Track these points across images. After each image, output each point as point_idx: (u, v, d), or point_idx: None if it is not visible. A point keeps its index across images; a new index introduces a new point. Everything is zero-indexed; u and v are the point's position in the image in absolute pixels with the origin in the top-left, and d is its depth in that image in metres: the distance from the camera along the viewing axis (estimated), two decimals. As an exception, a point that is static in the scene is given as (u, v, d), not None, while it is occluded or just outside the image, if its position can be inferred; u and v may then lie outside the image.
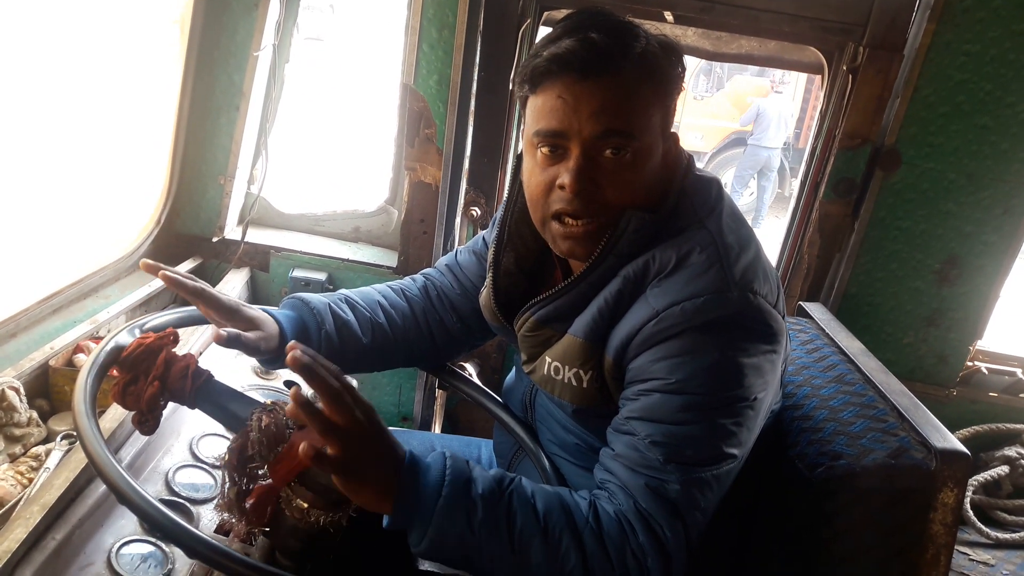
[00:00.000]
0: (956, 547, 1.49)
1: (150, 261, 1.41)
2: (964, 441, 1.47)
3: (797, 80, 11.94)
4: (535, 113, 1.34)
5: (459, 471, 1.22)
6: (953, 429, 1.53)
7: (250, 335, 1.44)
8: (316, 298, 1.64)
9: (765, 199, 11.08)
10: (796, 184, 2.76)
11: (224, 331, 1.36)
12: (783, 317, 1.39)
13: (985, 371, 2.86)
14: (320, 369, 1.11)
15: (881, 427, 1.54)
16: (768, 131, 10.66)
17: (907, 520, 1.45)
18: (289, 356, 1.09)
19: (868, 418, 1.57)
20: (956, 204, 2.57)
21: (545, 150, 1.34)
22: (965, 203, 2.56)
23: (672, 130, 1.42)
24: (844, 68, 2.45)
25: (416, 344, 1.76)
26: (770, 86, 11.29)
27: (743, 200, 11.04)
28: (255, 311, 1.51)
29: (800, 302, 2.29)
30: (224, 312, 1.45)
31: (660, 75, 1.33)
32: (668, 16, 2.44)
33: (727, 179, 11.21)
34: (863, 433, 1.53)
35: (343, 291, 1.73)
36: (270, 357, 1.53)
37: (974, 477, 2.82)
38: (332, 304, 1.65)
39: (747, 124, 11.03)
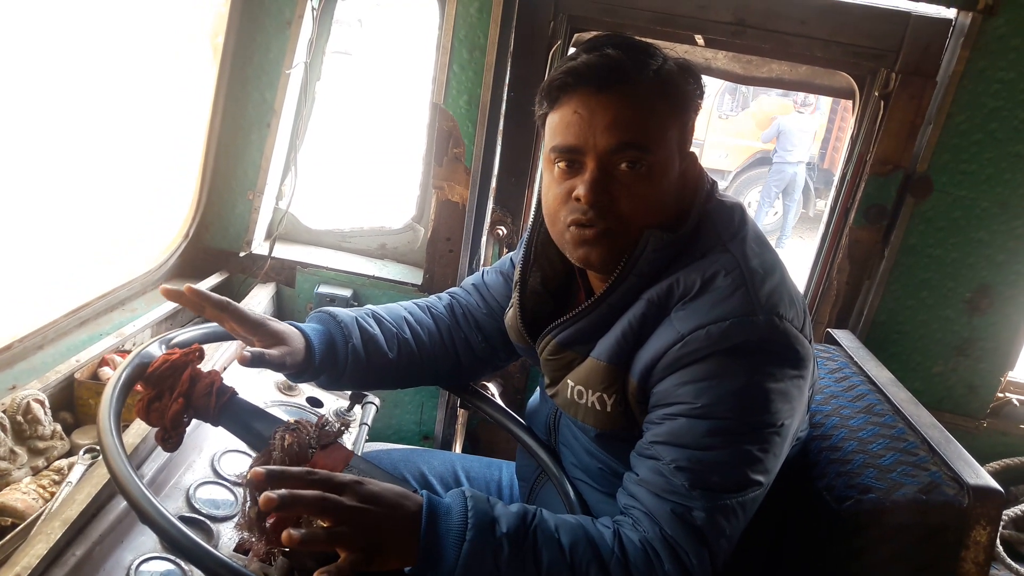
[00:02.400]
0: (985, 584, 1.45)
1: (169, 287, 1.42)
2: (994, 475, 1.44)
3: (819, 99, 11.88)
4: (552, 129, 1.36)
5: (482, 512, 1.21)
6: (982, 462, 1.50)
7: (274, 352, 1.43)
8: (343, 312, 1.65)
9: (789, 218, 11.04)
10: (825, 208, 2.73)
11: (248, 351, 1.36)
12: (810, 342, 1.38)
13: (1016, 403, 2.80)
14: (297, 494, 1.11)
15: (912, 460, 1.51)
16: (792, 148, 10.68)
17: (938, 557, 1.43)
18: (262, 499, 1.10)
19: (898, 451, 1.54)
20: (988, 232, 2.53)
21: (562, 165, 1.35)
22: (998, 231, 2.52)
23: (691, 150, 1.42)
24: (876, 94, 2.43)
25: (441, 361, 1.76)
26: (793, 106, 11.26)
27: (768, 220, 10.99)
28: (280, 325, 1.51)
29: (828, 329, 2.26)
30: (249, 327, 1.45)
31: (676, 92, 1.35)
32: (699, 40, 2.43)
33: (753, 198, 11.17)
34: (893, 466, 1.50)
35: (369, 306, 1.73)
36: (296, 372, 1.53)
37: (1003, 512, 2.76)
38: (359, 318, 1.66)
39: (768, 141, 11.03)
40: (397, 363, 1.68)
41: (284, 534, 1.08)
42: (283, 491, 1.10)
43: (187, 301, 1.41)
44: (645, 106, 1.31)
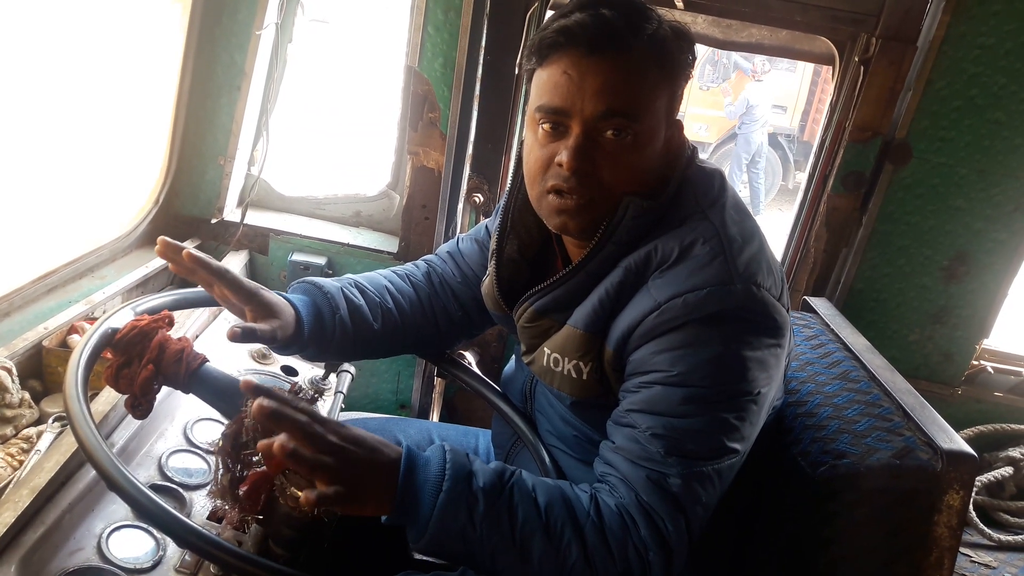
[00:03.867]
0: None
1: (169, 240, 1.37)
2: (968, 441, 1.46)
3: (804, 69, 11.89)
4: (539, 88, 1.32)
5: (459, 465, 1.20)
6: (957, 429, 1.50)
7: (265, 326, 1.41)
8: (328, 282, 1.62)
9: (759, 189, 11.12)
10: (804, 176, 2.73)
11: (237, 326, 1.34)
12: (787, 311, 1.37)
13: (991, 370, 2.83)
14: (286, 410, 1.09)
15: (886, 426, 1.52)
16: (755, 120, 10.79)
17: (911, 522, 1.44)
18: (255, 405, 1.08)
19: (873, 416, 1.55)
20: (966, 200, 2.53)
21: (547, 126, 1.32)
22: (975, 199, 2.53)
23: (677, 117, 1.40)
24: (856, 59, 2.41)
25: (422, 330, 1.74)
26: (751, 75, 11.29)
27: (742, 195, 11.06)
28: (273, 296, 1.49)
29: (805, 297, 2.26)
30: (243, 296, 1.43)
31: (669, 59, 1.32)
32: (678, 2, 2.40)
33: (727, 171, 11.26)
34: (868, 432, 1.50)
35: (350, 276, 1.71)
36: (284, 345, 1.51)
37: (977, 478, 2.80)
38: (344, 288, 1.63)
39: (739, 116, 11.10)
40: (381, 333, 1.67)
41: (276, 444, 1.06)
42: (274, 404, 1.08)
43: (181, 265, 1.37)
44: (636, 73, 1.28)
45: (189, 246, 1.37)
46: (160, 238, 1.37)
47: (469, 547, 1.18)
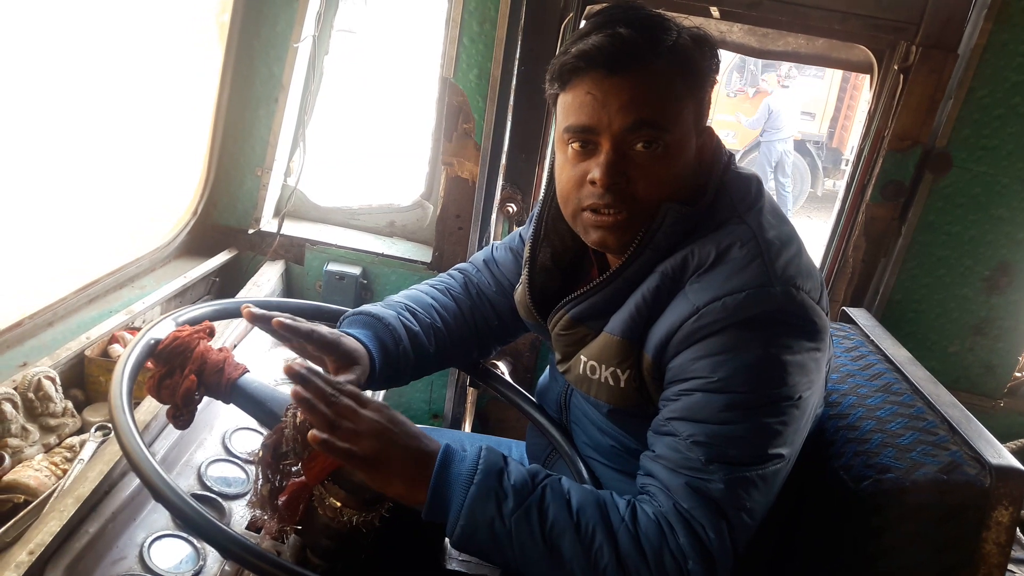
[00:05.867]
0: (1002, 565, 1.44)
1: (255, 310, 1.39)
2: (1011, 454, 1.42)
3: (832, 76, 11.79)
4: (565, 109, 1.32)
5: (492, 462, 1.22)
6: (999, 442, 1.47)
7: (351, 376, 1.40)
8: (385, 312, 1.60)
9: (787, 197, 11.03)
10: (841, 184, 2.70)
11: None
12: (827, 315, 1.35)
13: (1034, 382, 2.78)
14: (322, 388, 1.19)
15: (931, 440, 1.48)
16: (780, 126, 10.73)
17: (958, 538, 1.40)
18: (292, 390, 1.18)
19: (917, 430, 1.52)
20: (1008, 209, 2.49)
21: (576, 146, 1.32)
22: (1018, 208, 2.49)
23: (707, 124, 1.39)
24: (895, 67, 2.38)
25: (465, 343, 1.74)
26: (777, 80, 11.19)
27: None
28: (350, 341, 1.47)
29: (844, 307, 2.23)
30: (326, 348, 1.42)
31: (691, 68, 1.31)
32: (714, 11, 2.39)
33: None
34: (912, 446, 1.47)
35: (394, 298, 1.69)
36: (362, 387, 1.50)
37: (1019, 491, 2.74)
38: (400, 316, 1.61)
39: (759, 126, 11.06)
40: (433, 354, 1.65)
41: (292, 390, 1.15)
42: (302, 370, 1.18)
43: (275, 334, 1.40)
44: (660, 85, 1.28)
45: (216, 260, 1.38)
46: (244, 309, 1.39)
47: (499, 544, 1.19)
